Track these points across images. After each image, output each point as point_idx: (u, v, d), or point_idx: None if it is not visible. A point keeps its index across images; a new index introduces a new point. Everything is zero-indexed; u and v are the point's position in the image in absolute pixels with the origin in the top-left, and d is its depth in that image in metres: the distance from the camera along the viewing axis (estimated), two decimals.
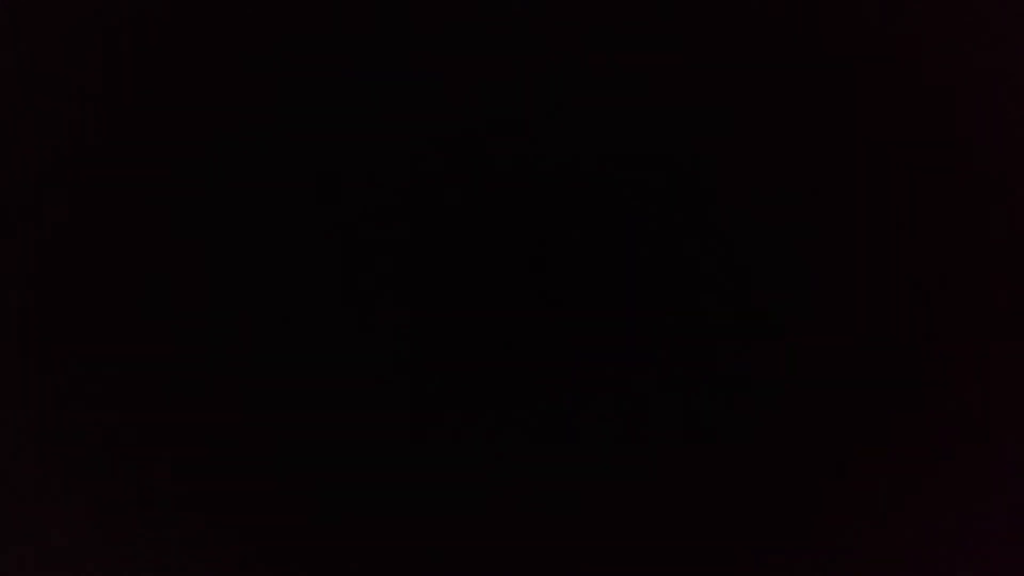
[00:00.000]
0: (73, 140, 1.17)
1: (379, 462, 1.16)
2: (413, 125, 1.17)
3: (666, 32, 1.17)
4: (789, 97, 1.17)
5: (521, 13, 1.17)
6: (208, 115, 1.17)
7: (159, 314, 1.16)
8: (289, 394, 1.16)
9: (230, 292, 1.16)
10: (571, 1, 1.18)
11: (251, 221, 1.17)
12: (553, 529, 1.15)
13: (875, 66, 1.17)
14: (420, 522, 1.15)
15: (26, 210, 1.16)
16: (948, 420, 1.15)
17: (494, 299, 1.16)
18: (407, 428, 1.16)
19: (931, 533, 1.15)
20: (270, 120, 1.17)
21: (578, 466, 1.16)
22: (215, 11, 1.18)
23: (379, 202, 1.17)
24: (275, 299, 1.16)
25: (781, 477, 1.15)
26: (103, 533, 1.15)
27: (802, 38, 1.17)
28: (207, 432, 1.16)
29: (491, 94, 1.17)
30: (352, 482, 1.15)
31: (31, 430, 1.16)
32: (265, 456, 1.15)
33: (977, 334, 1.16)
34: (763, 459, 1.15)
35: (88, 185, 1.17)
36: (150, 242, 1.16)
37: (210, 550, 1.15)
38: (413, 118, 1.17)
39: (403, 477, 1.16)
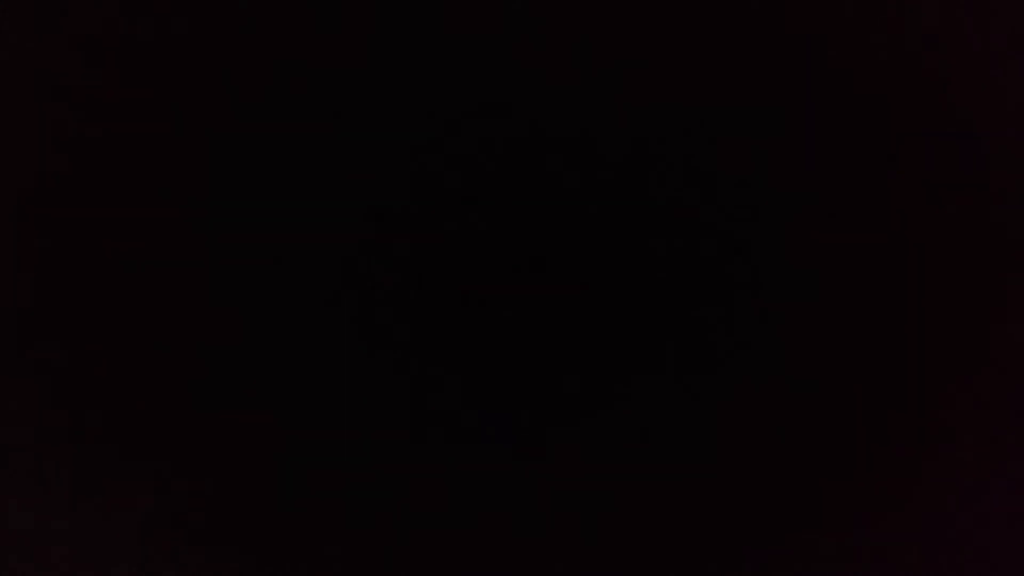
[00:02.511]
0: (70, 139, 1.17)
1: (380, 461, 1.16)
2: (412, 123, 1.18)
3: (666, 28, 1.18)
4: (789, 93, 1.17)
5: (520, 12, 1.17)
6: (202, 113, 1.17)
7: (160, 315, 1.16)
8: (289, 394, 1.16)
9: (230, 290, 1.17)
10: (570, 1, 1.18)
11: (250, 221, 1.17)
12: (552, 529, 1.16)
13: (876, 63, 1.17)
14: (421, 522, 1.16)
15: (25, 210, 1.17)
16: (949, 421, 1.15)
17: (491, 298, 1.17)
18: (407, 429, 1.16)
19: (930, 534, 1.15)
20: (269, 120, 1.17)
21: (577, 467, 1.16)
22: (214, 10, 1.18)
23: (378, 201, 1.17)
24: (275, 298, 1.17)
25: (779, 477, 1.15)
26: (101, 533, 1.15)
27: (802, 35, 1.18)
28: (208, 432, 1.16)
29: (490, 92, 1.17)
30: (353, 481, 1.16)
31: (30, 430, 1.16)
32: (266, 456, 1.16)
33: (977, 333, 1.16)
34: (762, 459, 1.15)
35: (86, 185, 1.17)
36: (149, 241, 1.17)
37: (210, 551, 1.15)
38: (412, 117, 1.18)
39: (403, 478, 1.16)
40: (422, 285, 1.17)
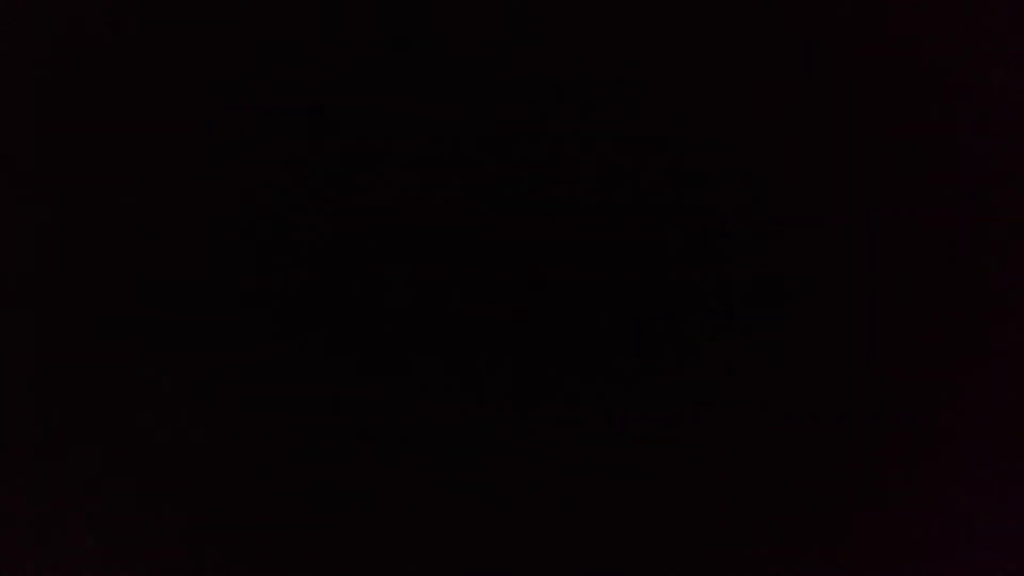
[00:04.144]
0: (69, 139, 1.17)
1: (377, 458, 1.16)
2: (412, 124, 1.17)
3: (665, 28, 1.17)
4: (787, 93, 1.17)
5: (520, 12, 1.17)
6: (200, 114, 1.17)
7: (155, 312, 1.16)
8: (287, 391, 1.16)
9: (228, 289, 1.16)
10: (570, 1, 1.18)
11: (250, 222, 1.17)
12: (549, 527, 1.16)
13: (874, 62, 1.17)
14: (417, 520, 1.15)
15: (22, 210, 1.16)
16: (949, 421, 1.15)
17: (489, 298, 1.16)
18: (404, 426, 1.16)
19: (930, 534, 1.15)
20: (269, 119, 1.17)
21: (574, 464, 1.16)
22: (213, 10, 1.17)
23: (376, 200, 1.17)
24: (273, 296, 1.16)
25: (779, 477, 1.15)
26: (100, 534, 1.15)
27: (802, 34, 1.17)
28: (204, 428, 1.16)
29: (488, 92, 1.17)
30: (350, 478, 1.15)
31: (30, 430, 1.16)
32: (263, 454, 1.15)
33: (977, 334, 1.16)
34: (761, 459, 1.15)
35: (82, 184, 1.17)
36: (146, 241, 1.16)
37: (207, 548, 1.15)
38: (412, 118, 1.17)
39: (400, 474, 1.16)
40: (423, 282, 1.16)
